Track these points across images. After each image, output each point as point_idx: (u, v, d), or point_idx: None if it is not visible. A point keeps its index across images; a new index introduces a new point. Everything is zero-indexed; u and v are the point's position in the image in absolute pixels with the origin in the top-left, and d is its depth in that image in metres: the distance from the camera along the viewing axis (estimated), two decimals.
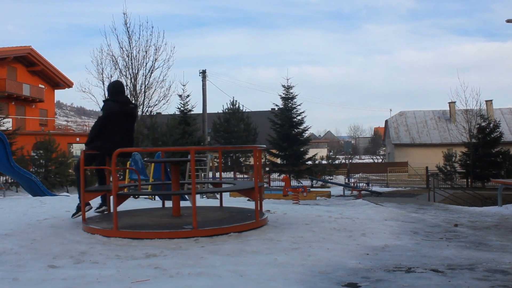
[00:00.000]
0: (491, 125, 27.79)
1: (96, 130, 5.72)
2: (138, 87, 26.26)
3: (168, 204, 6.83)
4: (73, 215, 5.84)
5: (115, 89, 5.93)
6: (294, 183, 28.72)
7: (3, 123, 23.49)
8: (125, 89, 5.86)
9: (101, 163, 5.85)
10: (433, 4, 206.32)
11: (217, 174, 29.12)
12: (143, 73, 26.50)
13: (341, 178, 34.35)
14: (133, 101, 25.90)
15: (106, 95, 5.84)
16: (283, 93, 31.64)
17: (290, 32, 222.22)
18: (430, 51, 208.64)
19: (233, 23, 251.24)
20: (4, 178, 21.22)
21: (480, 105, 29.48)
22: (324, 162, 38.40)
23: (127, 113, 5.82)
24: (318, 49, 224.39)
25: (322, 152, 63.19)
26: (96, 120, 5.94)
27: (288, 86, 31.38)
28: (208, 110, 32.87)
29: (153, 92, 26.80)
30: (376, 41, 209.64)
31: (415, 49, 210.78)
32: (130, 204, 8.00)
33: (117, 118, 5.71)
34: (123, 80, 27.12)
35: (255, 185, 5.30)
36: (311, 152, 33.71)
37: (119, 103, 5.78)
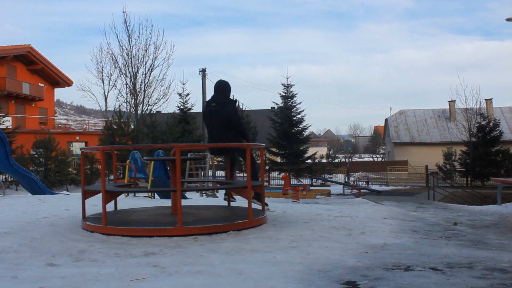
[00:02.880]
0: (491, 123, 27.80)
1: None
2: (137, 85, 26.27)
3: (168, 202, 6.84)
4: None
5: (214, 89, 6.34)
6: (293, 181, 28.74)
7: (3, 121, 23.48)
8: (222, 88, 6.31)
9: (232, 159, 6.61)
10: (430, 3, 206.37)
11: (217, 173, 29.11)
12: (143, 72, 26.54)
13: (340, 177, 34.36)
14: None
15: None
16: (283, 92, 31.64)
17: (288, 31, 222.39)
18: (428, 50, 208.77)
19: (231, 22, 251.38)
20: (4, 176, 21.23)
21: (480, 103, 29.54)
22: (324, 160, 38.37)
23: (210, 113, 6.11)
24: (316, 48, 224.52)
25: (322, 150, 63.22)
26: None
27: (287, 84, 31.39)
28: None
29: (153, 91, 26.84)
30: (374, 40, 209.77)
31: (413, 48, 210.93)
32: (129, 202, 8.00)
33: (204, 117, 6.24)
34: (122, 78, 27.14)
35: (248, 183, 5.29)
36: (311, 151, 33.70)
37: (206, 103, 6.26)
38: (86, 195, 5.46)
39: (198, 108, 31.16)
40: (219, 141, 5.94)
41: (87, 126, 46.53)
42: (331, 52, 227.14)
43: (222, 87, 6.19)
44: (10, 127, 24.96)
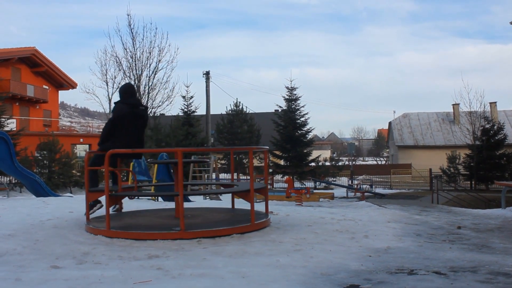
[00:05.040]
0: (495, 127, 27.74)
1: (107, 131, 5.91)
2: (141, 88, 26.27)
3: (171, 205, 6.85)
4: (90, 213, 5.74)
5: (126, 91, 6.09)
6: (297, 184, 28.68)
7: (7, 123, 23.58)
8: (136, 92, 6.34)
9: (112, 163, 5.83)
10: (433, 7, 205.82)
11: (221, 176, 29.09)
12: (147, 74, 26.52)
13: (344, 180, 34.26)
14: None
15: (118, 97, 6.07)
16: (287, 95, 31.62)
17: (291, 34, 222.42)
18: (431, 53, 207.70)
19: (234, 25, 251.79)
20: (8, 178, 21.30)
21: (484, 107, 29.47)
22: (327, 163, 38.25)
23: (136, 115, 5.94)
24: (319, 51, 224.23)
25: (326, 153, 63.04)
26: (106, 122, 6.06)
27: (291, 87, 31.36)
28: (212, 112, 32.91)
29: (156, 93, 26.81)
30: (377, 43, 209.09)
31: (416, 51, 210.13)
32: (133, 204, 8.01)
33: (127, 119, 5.85)
34: (126, 81, 27.17)
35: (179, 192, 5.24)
36: (315, 154, 33.63)
37: (128, 105, 5.93)
38: (90, 197, 5.44)
39: (202, 110, 31.23)
40: (140, 144, 6.03)
41: (91, 128, 46.58)
42: (334, 55, 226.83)
43: (136, 91, 6.26)
44: (15, 129, 25.06)
